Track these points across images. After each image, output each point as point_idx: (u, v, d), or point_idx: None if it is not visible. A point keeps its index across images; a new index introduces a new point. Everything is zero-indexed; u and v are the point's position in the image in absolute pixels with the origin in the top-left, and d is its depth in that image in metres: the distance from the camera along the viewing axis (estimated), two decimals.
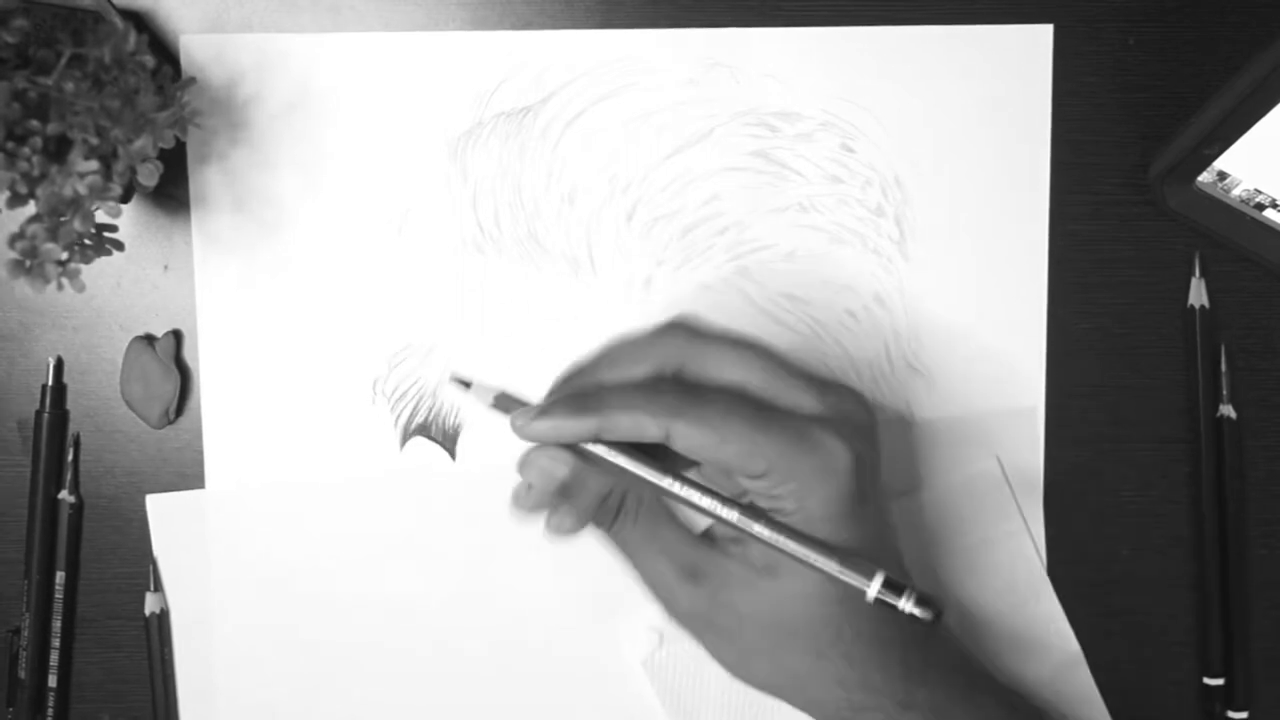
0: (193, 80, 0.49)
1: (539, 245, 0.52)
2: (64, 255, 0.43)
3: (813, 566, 0.40)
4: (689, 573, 0.42)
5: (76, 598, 0.53)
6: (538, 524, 0.51)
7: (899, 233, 0.52)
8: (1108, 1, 0.52)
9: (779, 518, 0.41)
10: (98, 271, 0.52)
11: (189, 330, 0.52)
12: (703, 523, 0.43)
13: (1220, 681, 0.53)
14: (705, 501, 0.41)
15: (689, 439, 0.40)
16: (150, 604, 0.52)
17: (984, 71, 0.52)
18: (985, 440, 0.53)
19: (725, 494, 0.41)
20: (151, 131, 0.44)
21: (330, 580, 0.53)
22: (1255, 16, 0.52)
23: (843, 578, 0.40)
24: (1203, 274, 0.52)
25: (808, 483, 0.40)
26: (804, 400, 0.42)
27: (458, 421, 0.52)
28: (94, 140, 0.43)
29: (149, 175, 0.44)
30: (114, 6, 0.46)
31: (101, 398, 0.52)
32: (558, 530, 0.42)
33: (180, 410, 0.52)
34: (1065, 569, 0.53)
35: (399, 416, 0.52)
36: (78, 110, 0.43)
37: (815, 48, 0.52)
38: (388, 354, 0.52)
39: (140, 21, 0.50)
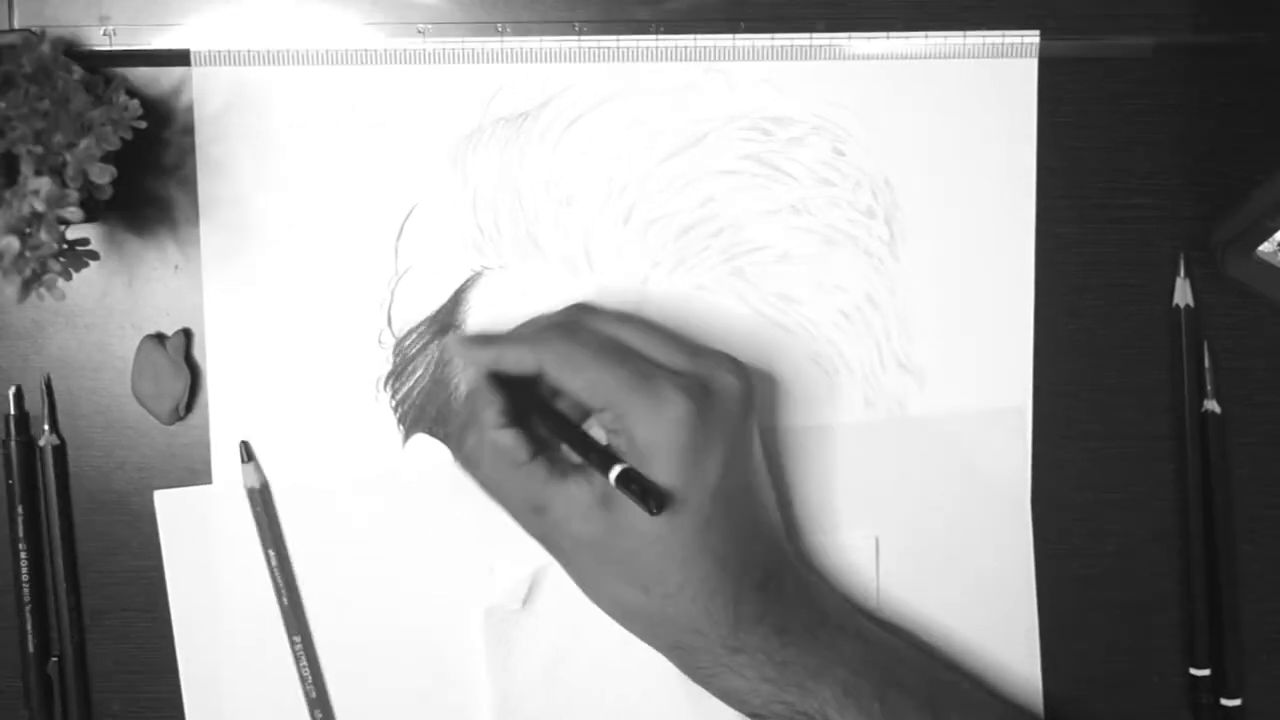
0: (124, 80, 0.50)
1: (538, 247, 0.53)
2: (33, 269, 0.44)
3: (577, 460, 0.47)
4: (534, 508, 0.47)
5: (77, 558, 0.54)
6: None
7: (889, 233, 0.53)
8: (1094, 10, 0.52)
9: (618, 451, 0.46)
10: (110, 272, 0.53)
11: (198, 329, 0.53)
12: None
13: (1207, 672, 0.54)
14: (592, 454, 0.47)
15: (552, 369, 0.47)
16: (248, 479, 0.53)
17: (971, 77, 0.53)
18: (974, 437, 0.54)
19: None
20: (92, 131, 0.46)
21: (334, 574, 0.53)
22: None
23: (587, 461, 0.46)
24: (1187, 274, 0.54)
25: (640, 423, 0.45)
26: (674, 359, 0.47)
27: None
28: (37, 149, 0.44)
29: (101, 174, 0.45)
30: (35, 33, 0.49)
31: (113, 394, 0.53)
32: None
33: (190, 407, 0.53)
34: (1053, 564, 0.54)
35: (401, 414, 0.54)
36: (14, 124, 0.44)
37: (807, 54, 0.53)
38: (389, 352, 0.53)
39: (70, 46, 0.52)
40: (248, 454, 0.53)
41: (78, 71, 0.47)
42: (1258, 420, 0.54)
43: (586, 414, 0.50)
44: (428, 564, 0.53)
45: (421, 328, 0.53)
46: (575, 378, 0.46)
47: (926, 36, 0.52)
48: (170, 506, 0.53)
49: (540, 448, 0.48)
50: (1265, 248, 0.51)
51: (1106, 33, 0.53)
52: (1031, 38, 0.52)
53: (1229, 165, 0.53)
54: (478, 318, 0.53)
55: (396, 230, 0.53)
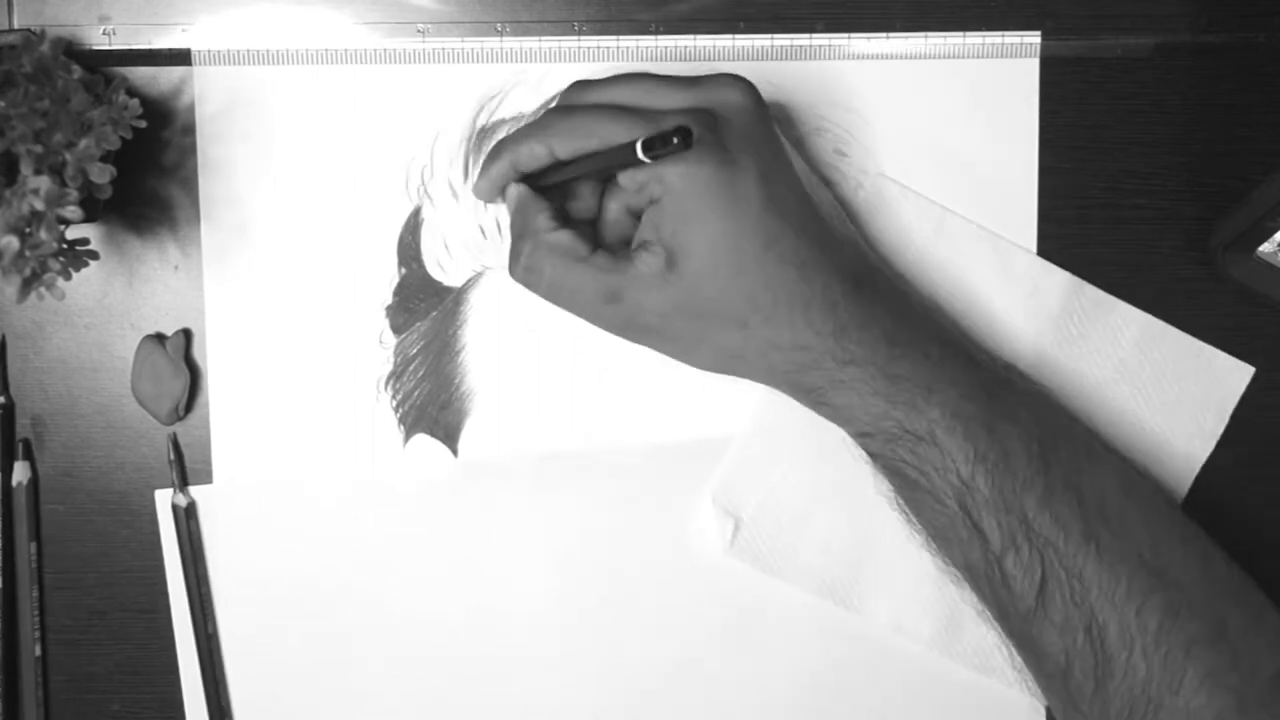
0: (124, 79, 0.50)
1: None
2: (33, 268, 0.44)
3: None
4: (607, 297, 0.46)
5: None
6: (537, 520, 0.52)
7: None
8: (1094, 10, 0.53)
9: (656, 199, 0.45)
10: (110, 272, 0.53)
11: (198, 329, 0.53)
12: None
13: None
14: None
15: (566, 145, 0.46)
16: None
17: (972, 77, 0.53)
18: None
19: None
20: (92, 131, 0.46)
21: (334, 574, 0.53)
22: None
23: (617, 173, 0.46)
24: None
25: (665, 169, 0.45)
26: (675, 99, 0.46)
27: (458, 419, 0.54)
28: (37, 149, 0.44)
29: (101, 174, 0.45)
30: (35, 33, 0.48)
31: (112, 394, 0.53)
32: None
33: (190, 407, 0.53)
34: None
35: (401, 414, 0.54)
36: (14, 124, 0.44)
37: (807, 54, 0.53)
38: (390, 352, 0.53)
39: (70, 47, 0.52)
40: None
41: (78, 71, 0.47)
42: (1258, 421, 0.54)
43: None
44: (428, 564, 0.53)
45: (422, 328, 0.53)
46: (588, 143, 0.46)
47: (926, 37, 0.52)
48: (170, 506, 0.53)
49: (595, 245, 0.47)
50: (1265, 248, 0.51)
51: (1106, 33, 0.53)
52: (1032, 38, 0.53)
53: (1229, 165, 0.53)
54: (478, 319, 0.53)
55: (397, 230, 0.53)
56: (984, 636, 0.51)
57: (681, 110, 0.46)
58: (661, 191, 0.45)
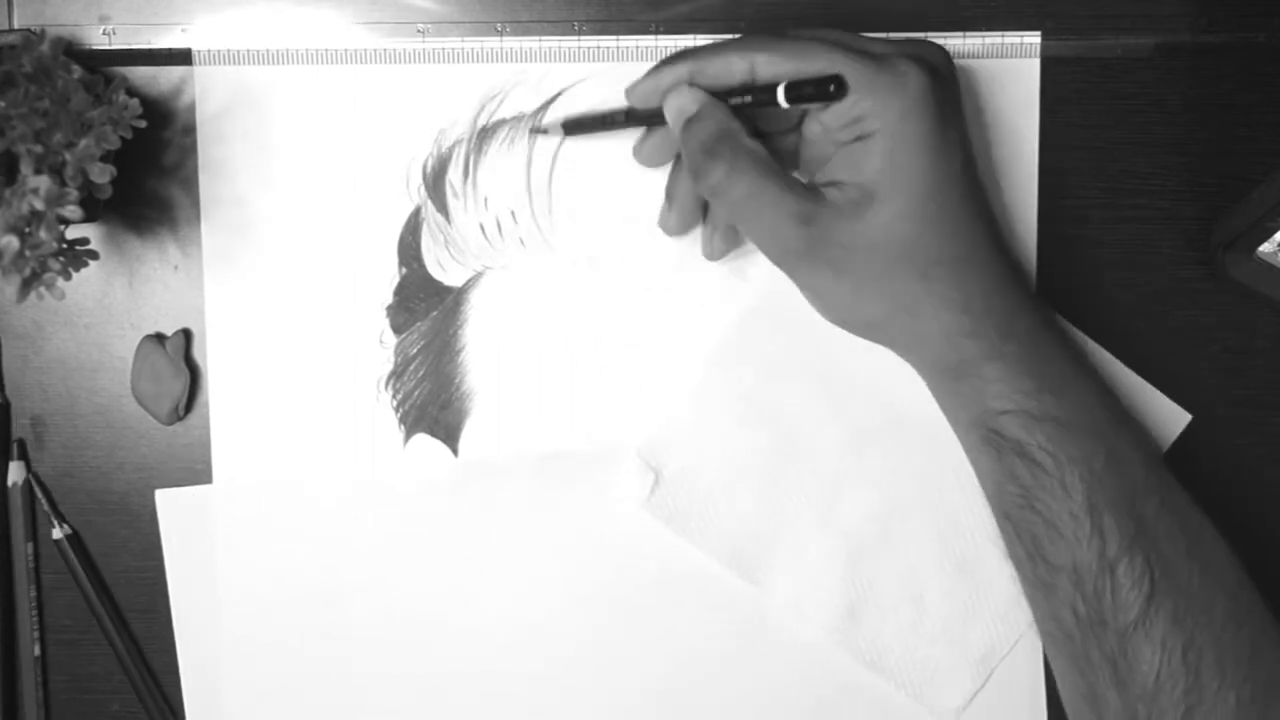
0: (124, 79, 0.50)
1: (540, 247, 0.53)
2: (33, 268, 0.44)
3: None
4: (799, 218, 0.45)
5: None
6: (537, 520, 0.52)
7: None
8: (1094, 10, 0.53)
9: (867, 135, 0.45)
10: (110, 272, 0.53)
11: (198, 329, 0.53)
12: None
13: None
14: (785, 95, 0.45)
15: (770, 66, 0.45)
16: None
17: (973, 78, 0.53)
18: None
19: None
20: (92, 131, 0.46)
21: (334, 573, 0.53)
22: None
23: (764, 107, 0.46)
24: None
25: (886, 99, 0.44)
26: (879, 47, 0.46)
27: (459, 419, 0.54)
28: (37, 149, 0.44)
29: (101, 174, 0.45)
30: (35, 33, 0.48)
31: (112, 395, 0.53)
32: (665, 228, 0.51)
33: (190, 407, 0.53)
34: None
35: (402, 414, 0.54)
36: (14, 123, 0.44)
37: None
38: (390, 352, 0.53)
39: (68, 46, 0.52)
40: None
41: (78, 71, 0.47)
42: (1259, 421, 0.54)
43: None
44: (428, 564, 0.53)
45: (423, 327, 0.53)
46: (804, 67, 0.45)
47: (926, 37, 0.52)
48: (171, 506, 0.53)
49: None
50: (1265, 248, 0.51)
51: (1106, 33, 0.53)
52: (1032, 38, 0.53)
53: (1229, 165, 0.54)
54: (479, 319, 0.53)
55: (397, 230, 0.53)
56: (880, 634, 0.52)
57: (899, 55, 0.45)
58: (878, 127, 0.44)
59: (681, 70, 0.47)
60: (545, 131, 0.52)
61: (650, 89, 0.48)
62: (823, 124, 0.47)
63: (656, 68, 0.48)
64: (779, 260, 0.47)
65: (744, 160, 0.46)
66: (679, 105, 0.47)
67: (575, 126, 0.52)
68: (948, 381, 0.47)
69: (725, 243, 0.51)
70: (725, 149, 0.46)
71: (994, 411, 0.46)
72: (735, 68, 0.46)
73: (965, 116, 0.48)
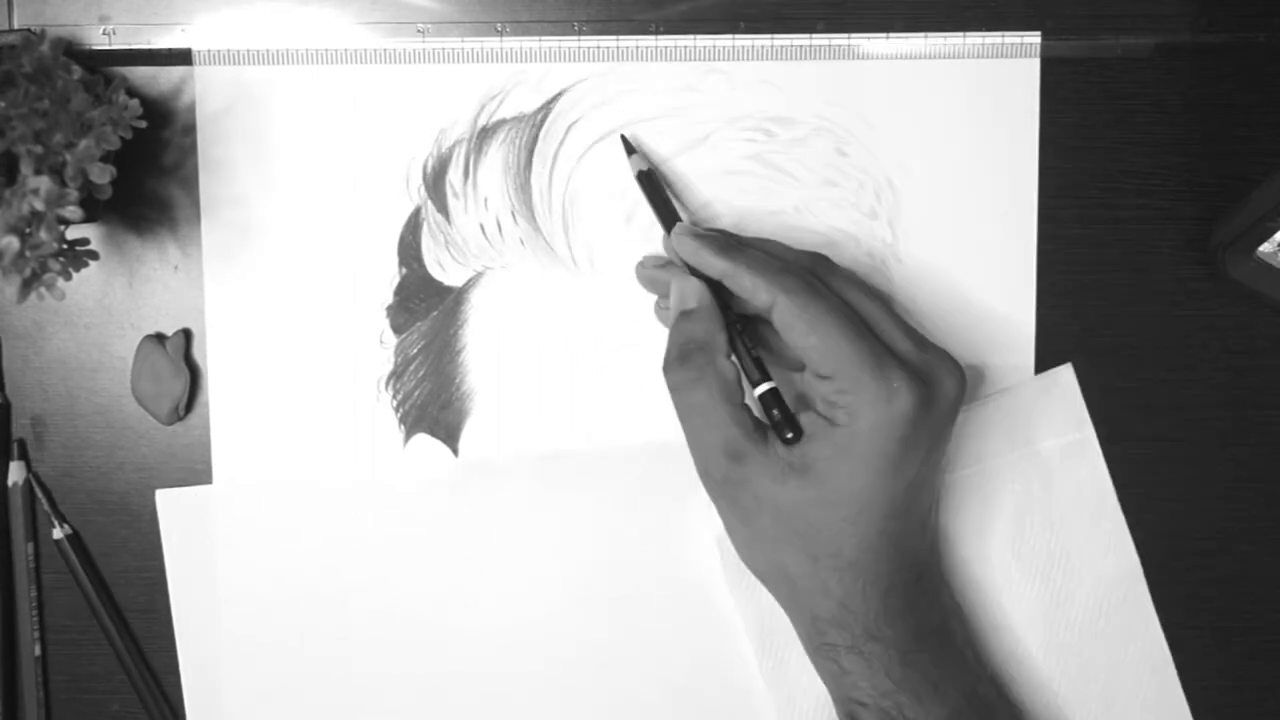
0: (124, 79, 0.50)
1: (540, 247, 0.53)
2: (33, 268, 0.44)
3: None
4: (731, 453, 0.46)
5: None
6: (537, 520, 0.52)
7: (892, 235, 0.53)
8: (1094, 10, 0.53)
9: (833, 422, 0.45)
10: (110, 272, 0.53)
11: (198, 329, 0.53)
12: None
13: None
14: (754, 372, 0.47)
15: (785, 316, 0.45)
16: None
17: (974, 77, 0.53)
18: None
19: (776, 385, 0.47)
20: (92, 131, 0.46)
21: (334, 573, 0.53)
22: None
23: (742, 370, 0.47)
24: None
25: (863, 403, 0.44)
26: (904, 345, 0.47)
27: (459, 419, 0.54)
28: (37, 149, 0.44)
29: (101, 174, 0.45)
30: (35, 33, 0.48)
31: (112, 395, 0.53)
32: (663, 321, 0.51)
33: (190, 407, 0.53)
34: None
35: (402, 414, 0.54)
36: (14, 124, 0.44)
37: (807, 54, 0.53)
38: (390, 352, 0.53)
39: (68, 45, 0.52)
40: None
41: (78, 71, 0.47)
42: (1259, 421, 0.54)
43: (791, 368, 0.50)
44: (428, 564, 0.53)
45: (423, 327, 0.53)
46: (808, 335, 0.45)
47: (926, 37, 0.52)
48: (171, 506, 0.53)
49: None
50: (1265, 248, 0.51)
51: (1106, 33, 0.53)
52: (1032, 38, 0.53)
53: (1229, 165, 0.54)
54: (479, 319, 0.53)
55: (397, 230, 0.53)
56: None
57: (907, 362, 0.46)
58: (844, 422, 0.45)
59: (722, 265, 0.47)
60: (632, 150, 0.52)
61: (689, 253, 0.48)
62: (804, 378, 0.47)
63: (705, 242, 0.48)
64: (700, 475, 0.48)
65: (710, 376, 0.47)
66: (682, 293, 0.48)
67: (646, 180, 0.51)
68: (811, 653, 0.49)
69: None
70: (700, 359, 0.47)
71: (851, 699, 0.47)
72: (759, 296, 0.46)
73: (948, 436, 0.48)
